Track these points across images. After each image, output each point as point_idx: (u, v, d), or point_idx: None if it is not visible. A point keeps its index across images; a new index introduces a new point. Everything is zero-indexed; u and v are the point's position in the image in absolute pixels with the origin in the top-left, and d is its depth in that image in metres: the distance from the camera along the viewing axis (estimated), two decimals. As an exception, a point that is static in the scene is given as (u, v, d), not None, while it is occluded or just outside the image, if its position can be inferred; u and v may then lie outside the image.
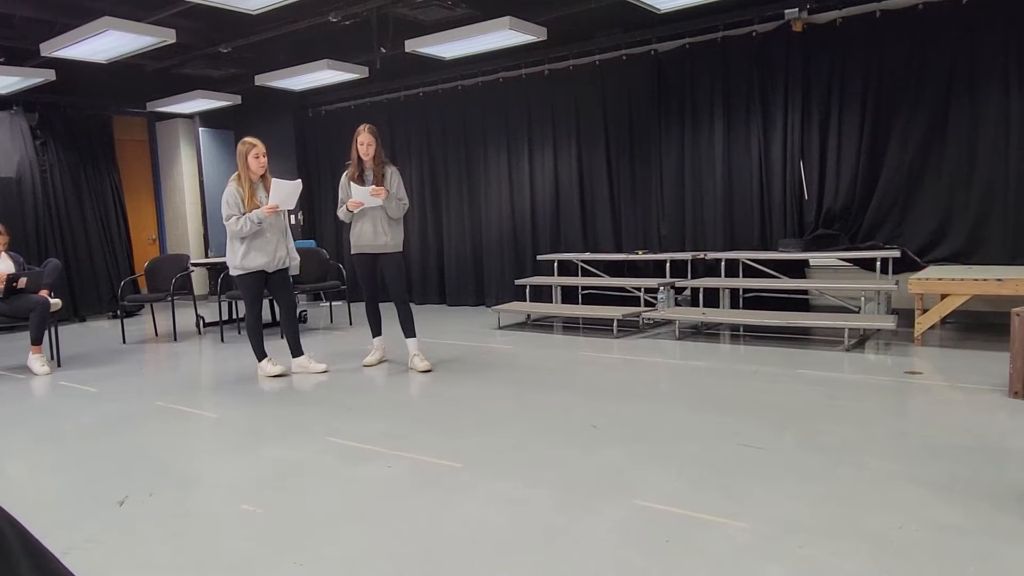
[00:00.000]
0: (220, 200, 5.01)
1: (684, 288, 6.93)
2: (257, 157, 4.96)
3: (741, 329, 6.48)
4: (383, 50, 7.57)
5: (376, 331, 5.52)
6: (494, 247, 8.73)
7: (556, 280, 7.73)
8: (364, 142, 5.14)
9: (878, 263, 6.10)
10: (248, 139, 5.03)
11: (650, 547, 2.34)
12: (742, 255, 6.70)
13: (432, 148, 9.20)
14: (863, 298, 6.11)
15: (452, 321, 7.83)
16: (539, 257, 8.17)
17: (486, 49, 7.26)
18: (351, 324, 7.82)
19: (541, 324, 7.37)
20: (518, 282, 7.82)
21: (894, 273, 6.09)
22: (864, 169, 6.35)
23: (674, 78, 7.33)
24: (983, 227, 5.91)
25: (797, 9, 6.41)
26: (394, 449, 3.48)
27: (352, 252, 5.32)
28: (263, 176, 5.05)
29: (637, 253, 7.44)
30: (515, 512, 2.67)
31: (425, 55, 7.33)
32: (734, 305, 6.84)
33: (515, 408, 4.15)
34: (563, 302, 7.86)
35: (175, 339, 7.28)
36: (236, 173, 5.02)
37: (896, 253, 6.00)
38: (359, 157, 5.17)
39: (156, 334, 7.70)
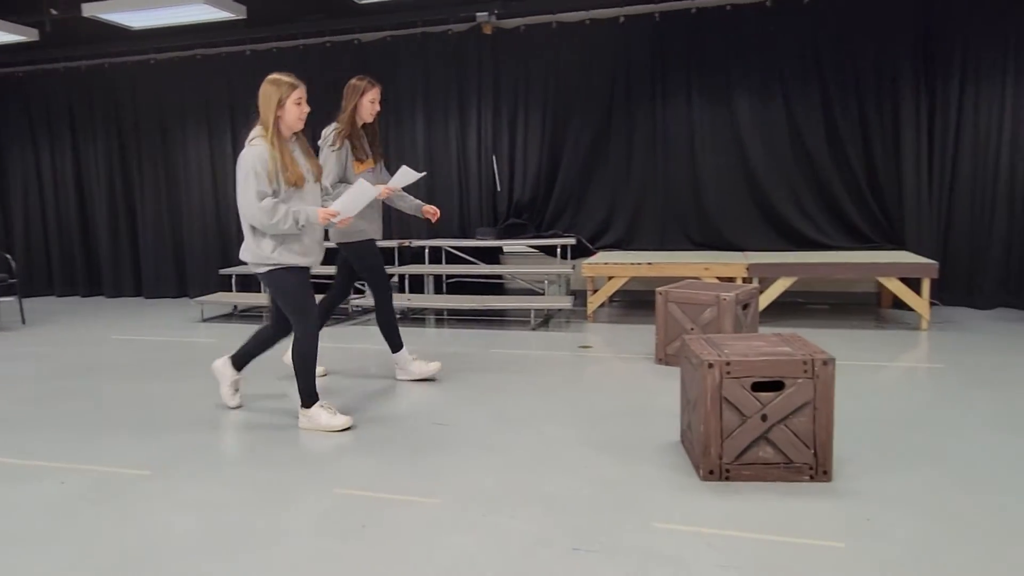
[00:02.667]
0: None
1: (391, 275, 7.21)
2: (299, 103, 3.52)
3: (445, 313, 6.93)
4: (54, 12, 6.77)
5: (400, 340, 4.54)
6: (197, 235, 8.27)
7: (264, 269, 7.56)
8: (375, 99, 4.17)
9: (558, 250, 6.91)
10: (282, 76, 3.53)
11: (347, 533, 2.54)
12: (444, 243, 7.14)
13: (122, 125, 8.43)
14: (546, 281, 6.88)
15: (151, 315, 7.33)
16: (245, 245, 7.92)
17: (179, 22, 6.81)
18: (23, 323, 6.96)
19: (249, 315, 7.20)
20: (222, 271, 7.54)
21: (572, 258, 6.93)
22: (546, 165, 7.10)
23: (377, 69, 7.50)
24: (639, 218, 6.95)
25: (487, 13, 6.92)
26: (69, 462, 3.27)
27: (363, 239, 4.30)
28: (297, 134, 3.65)
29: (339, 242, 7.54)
30: (209, 516, 2.70)
31: (107, 22, 6.68)
32: (438, 291, 7.28)
33: (214, 405, 4.09)
34: (272, 291, 7.72)
35: None
36: (258, 127, 3.53)
37: (573, 241, 6.85)
38: (364, 120, 4.21)
39: None
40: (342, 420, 3.64)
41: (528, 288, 7.19)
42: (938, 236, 6.26)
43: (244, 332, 6.30)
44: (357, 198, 3.64)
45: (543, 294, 6.91)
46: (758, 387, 2.84)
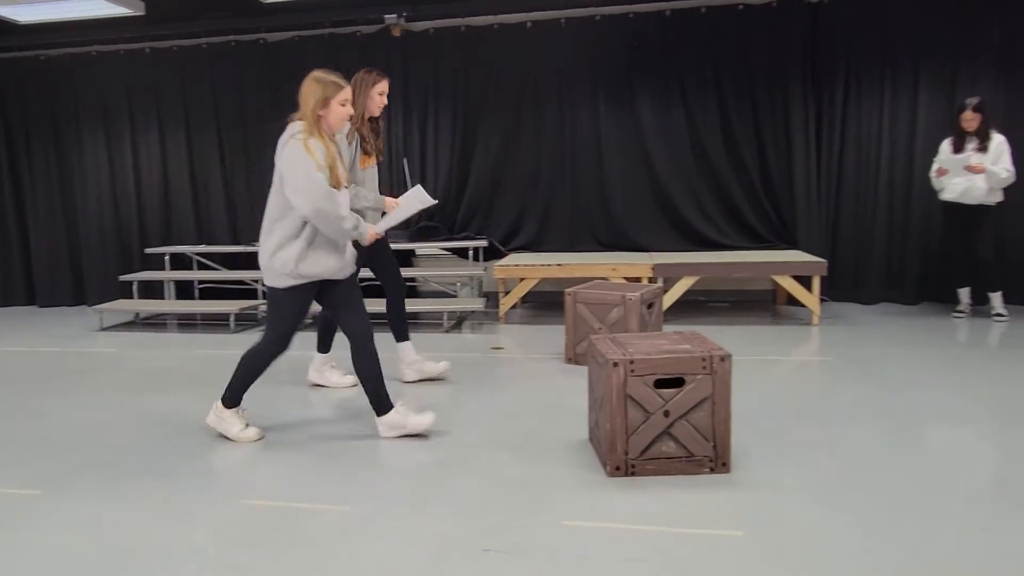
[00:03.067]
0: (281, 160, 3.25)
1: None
2: (344, 105, 3.35)
3: (358, 316, 6.86)
4: (-70, 5, 6.36)
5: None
6: (95, 240, 7.92)
7: (168, 275, 7.32)
8: (384, 91, 4.03)
9: (470, 252, 6.96)
10: (328, 75, 3.36)
11: (255, 544, 2.51)
12: (356, 246, 7.07)
13: (10, 123, 7.97)
14: (459, 284, 6.93)
15: (45, 324, 6.98)
16: (147, 250, 7.64)
17: (72, 17, 6.53)
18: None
19: (153, 323, 6.95)
20: (123, 278, 7.24)
21: (484, 260, 7.00)
22: (457, 168, 7.16)
23: (285, 68, 7.38)
24: (549, 221, 7.09)
25: (396, 15, 6.90)
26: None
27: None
28: (332, 138, 3.46)
29: (254, 245, 7.37)
30: (109, 535, 2.60)
31: (-9, 16, 6.35)
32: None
33: (113, 418, 3.96)
34: (178, 298, 7.48)
35: None
36: (297, 123, 3.32)
37: (484, 243, 6.92)
38: (372, 114, 4.03)
39: None
40: (252, 433, 3.56)
41: (441, 290, 7.21)
42: (826, 236, 6.64)
43: (146, 341, 6.08)
44: (409, 207, 3.82)
45: (456, 296, 6.95)
46: (661, 384, 2.96)
